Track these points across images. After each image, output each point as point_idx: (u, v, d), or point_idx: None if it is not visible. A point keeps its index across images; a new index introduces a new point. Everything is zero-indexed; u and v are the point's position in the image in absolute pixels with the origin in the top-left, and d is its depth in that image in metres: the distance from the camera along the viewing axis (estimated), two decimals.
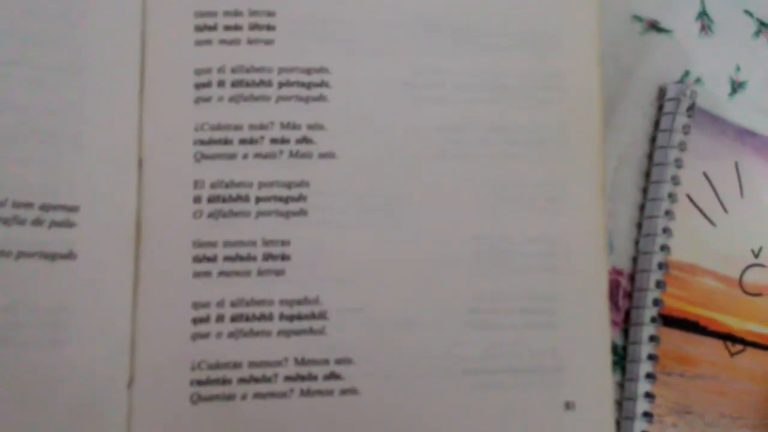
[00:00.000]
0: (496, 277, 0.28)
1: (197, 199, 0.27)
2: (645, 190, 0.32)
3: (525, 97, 0.29)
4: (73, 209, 0.25)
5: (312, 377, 0.26)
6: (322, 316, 0.27)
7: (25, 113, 0.25)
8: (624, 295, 0.32)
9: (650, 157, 0.32)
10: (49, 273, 0.25)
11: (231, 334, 0.26)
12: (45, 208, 0.25)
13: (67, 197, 0.25)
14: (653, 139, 0.33)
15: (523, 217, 0.28)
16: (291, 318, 0.27)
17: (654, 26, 0.33)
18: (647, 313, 0.31)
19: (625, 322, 0.31)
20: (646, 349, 0.30)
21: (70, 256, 0.25)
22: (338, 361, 0.27)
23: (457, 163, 0.28)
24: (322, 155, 0.28)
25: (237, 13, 0.28)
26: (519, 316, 0.28)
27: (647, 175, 0.32)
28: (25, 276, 0.25)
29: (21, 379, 0.24)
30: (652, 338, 0.31)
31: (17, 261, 0.25)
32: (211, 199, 0.27)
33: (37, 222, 0.25)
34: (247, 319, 0.26)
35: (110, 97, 0.27)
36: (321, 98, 0.28)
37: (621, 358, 0.31)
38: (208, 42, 0.28)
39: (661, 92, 0.33)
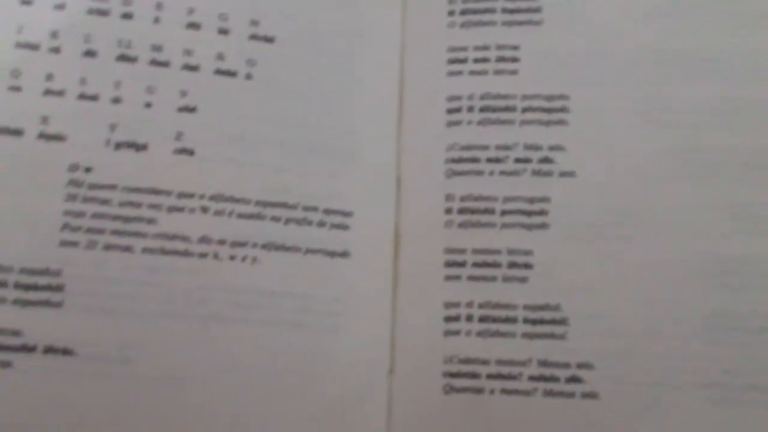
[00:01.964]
0: (732, 296, 0.32)
1: (449, 211, 0.34)
2: None
3: (757, 121, 0.33)
4: (348, 214, 0.33)
5: (554, 379, 0.31)
6: (563, 322, 0.32)
7: (314, 133, 0.33)
8: None
9: None
10: (328, 268, 0.32)
11: (479, 333, 0.32)
12: (327, 212, 0.33)
13: (344, 204, 0.33)
14: None
15: (761, 238, 0.32)
16: (534, 322, 0.32)
17: None
18: None
19: None
20: None
21: (345, 254, 0.32)
22: (579, 366, 0.31)
23: (689, 184, 0.33)
24: (563, 174, 0.33)
25: (485, 48, 0.35)
26: (759, 335, 0.31)
27: None
28: (311, 269, 0.32)
29: (304, 358, 0.31)
30: None
31: (305, 256, 0.32)
32: (461, 211, 0.33)
33: (321, 224, 0.32)
34: (494, 320, 0.32)
35: (375, 122, 0.34)
36: (561, 122, 0.34)
37: None
38: (460, 73, 0.35)
39: None
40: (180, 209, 0.31)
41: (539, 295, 0.32)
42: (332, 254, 0.32)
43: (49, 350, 0.29)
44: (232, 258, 0.31)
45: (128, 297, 0.30)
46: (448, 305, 0.33)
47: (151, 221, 0.31)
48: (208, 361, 0.30)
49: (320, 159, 0.33)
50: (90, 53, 0.32)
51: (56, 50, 0.31)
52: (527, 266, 0.33)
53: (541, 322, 0.32)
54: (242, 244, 0.31)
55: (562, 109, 0.34)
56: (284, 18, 0.34)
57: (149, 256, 0.31)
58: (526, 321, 0.32)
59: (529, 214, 0.33)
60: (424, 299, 0.33)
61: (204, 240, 0.31)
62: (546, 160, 0.34)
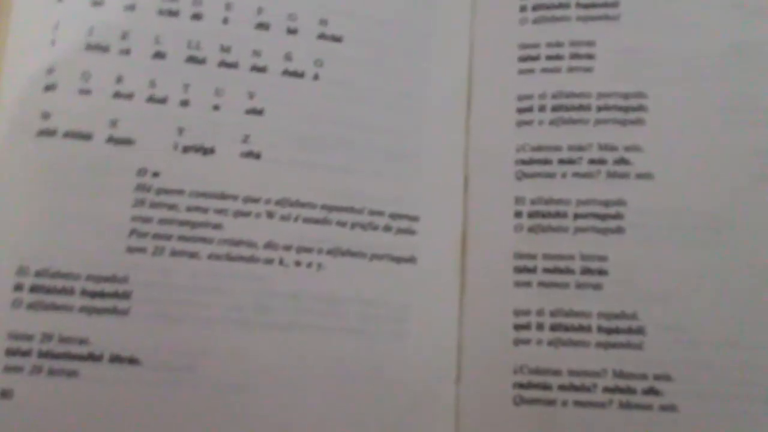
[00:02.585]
0: None
1: (518, 214, 0.32)
2: None
3: None
4: (414, 219, 0.31)
5: (630, 390, 0.30)
6: (639, 331, 0.30)
7: (381, 134, 0.32)
8: None
9: None
10: (395, 274, 0.31)
11: (550, 343, 0.30)
12: (393, 216, 0.31)
13: (410, 208, 0.32)
14: None
15: None
16: (609, 331, 0.30)
17: None
18: None
19: None
20: None
21: (411, 260, 0.31)
22: (657, 377, 0.30)
23: None
24: (640, 176, 0.31)
25: (559, 44, 0.33)
26: None
27: None
28: (377, 275, 0.31)
29: (370, 365, 0.30)
30: None
31: (371, 261, 0.31)
32: (531, 215, 0.32)
33: (387, 228, 0.31)
34: (566, 329, 0.30)
35: (443, 121, 0.33)
36: (638, 121, 0.32)
37: None
38: (531, 71, 0.33)
39: None
40: (246, 214, 0.30)
41: (614, 303, 0.30)
42: (398, 260, 0.31)
43: (116, 359, 0.28)
44: (297, 264, 0.30)
45: (194, 304, 0.29)
46: (518, 313, 0.31)
47: (217, 227, 0.30)
48: (274, 369, 0.29)
49: (387, 161, 0.32)
50: (159, 55, 0.31)
51: (126, 52, 0.31)
52: (601, 272, 0.31)
53: (617, 331, 0.30)
54: (308, 250, 0.30)
55: (640, 108, 0.32)
56: (352, 17, 0.33)
57: (215, 262, 0.30)
58: (600, 330, 0.30)
59: (603, 218, 0.31)
60: (493, 306, 0.31)
61: (269, 245, 0.30)
62: (622, 161, 0.32)
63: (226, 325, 0.29)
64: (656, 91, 0.32)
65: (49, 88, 0.30)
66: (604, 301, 0.31)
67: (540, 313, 0.31)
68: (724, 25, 0.32)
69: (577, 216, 0.32)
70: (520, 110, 0.33)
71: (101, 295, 0.29)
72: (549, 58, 0.33)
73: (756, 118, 0.31)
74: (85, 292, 0.28)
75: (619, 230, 0.31)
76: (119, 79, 0.30)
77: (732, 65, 0.32)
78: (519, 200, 0.32)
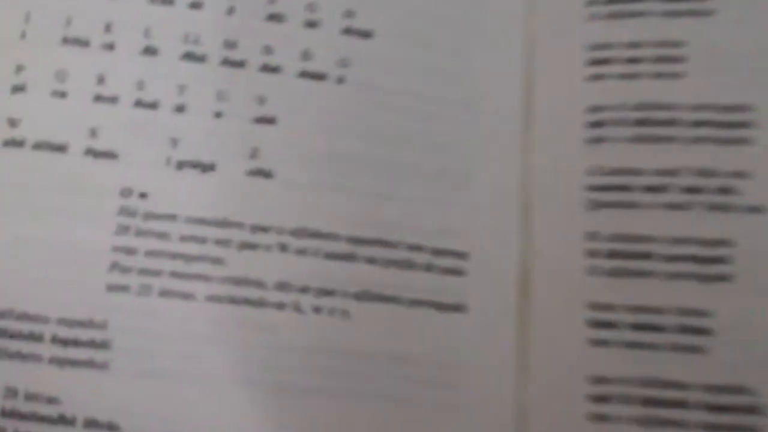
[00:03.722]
0: None
1: (591, 254, 0.25)
2: None
3: None
4: (463, 256, 0.25)
5: None
6: (755, 410, 0.23)
7: (421, 151, 0.26)
8: None
9: None
10: (439, 325, 0.24)
11: (638, 421, 0.23)
12: (436, 253, 0.25)
13: (458, 243, 0.25)
14: None
15: None
16: (714, 409, 0.23)
17: None
18: None
19: None
20: None
21: (459, 307, 0.24)
22: None
23: None
24: (750, 209, 0.24)
25: (638, 45, 0.26)
26: None
27: None
28: (417, 326, 0.24)
29: None
30: None
31: (409, 309, 0.24)
32: (609, 255, 0.25)
33: (428, 268, 0.25)
34: (657, 404, 0.23)
35: (497, 137, 0.27)
36: (743, 141, 0.25)
37: None
38: (602, 77, 0.26)
39: None
40: (253, 246, 0.24)
41: (722, 373, 0.23)
42: (443, 307, 0.24)
43: (91, 424, 0.22)
44: (316, 310, 0.24)
45: (188, 358, 0.23)
46: (594, 380, 0.24)
47: (217, 261, 0.24)
48: None
49: (428, 184, 0.25)
50: (150, 50, 0.25)
51: (110, 47, 0.25)
52: (704, 332, 0.24)
53: (725, 409, 0.23)
54: (330, 293, 0.24)
55: (745, 124, 0.25)
56: (385, 8, 0.27)
57: (214, 306, 0.23)
58: (703, 407, 0.23)
59: (703, 261, 0.24)
60: (562, 371, 0.24)
61: (282, 286, 0.24)
62: (724, 190, 0.25)
63: (226, 385, 0.23)
64: (765, 103, 0.25)
65: (17, 89, 0.25)
66: (709, 370, 0.23)
67: (623, 382, 0.24)
68: None
69: (669, 258, 0.25)
70: (591, 124, 0.26)
71: (75, 343, 0.23)
72: (628, 61, 0.26)
73: None
74: (55, 340, 0.23)
75: (725, 278, 0.24)
76: (101, 80, 0.25)
77: None
78: (591, 236, 0.25)
